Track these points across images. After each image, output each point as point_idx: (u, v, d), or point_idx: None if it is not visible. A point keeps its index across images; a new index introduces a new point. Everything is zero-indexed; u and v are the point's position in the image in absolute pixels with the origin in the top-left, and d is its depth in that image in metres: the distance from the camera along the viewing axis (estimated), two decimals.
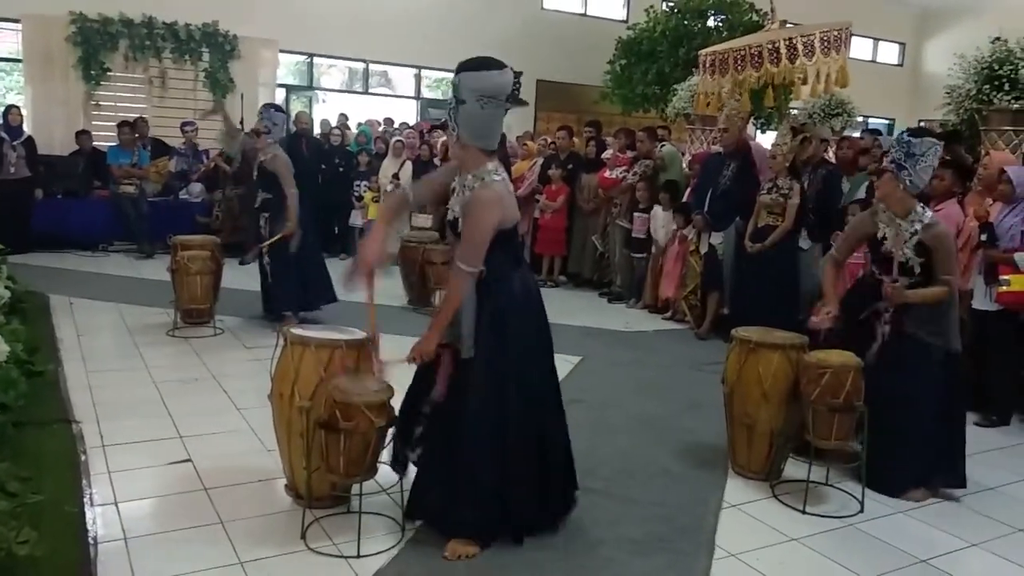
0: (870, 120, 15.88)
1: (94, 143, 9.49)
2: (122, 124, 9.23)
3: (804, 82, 6.25)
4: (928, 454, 3.71)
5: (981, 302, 4.81)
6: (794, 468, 3.81)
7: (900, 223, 3.67)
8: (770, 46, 6.21)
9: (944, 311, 3.70)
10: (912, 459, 3.69)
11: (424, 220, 8.79)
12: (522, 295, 2.98)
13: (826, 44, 6.11)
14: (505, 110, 2.82)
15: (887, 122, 16.72)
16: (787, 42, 6.12)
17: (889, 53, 17.71)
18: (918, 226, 3.64)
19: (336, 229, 9.81)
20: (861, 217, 4.01)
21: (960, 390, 3.81)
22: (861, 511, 3.53)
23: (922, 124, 14.09)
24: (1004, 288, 4.59)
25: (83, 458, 3.56)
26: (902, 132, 3.76)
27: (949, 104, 6.56)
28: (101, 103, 10.52)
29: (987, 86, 5.94)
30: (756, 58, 6.32)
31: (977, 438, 4.57)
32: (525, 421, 2.96)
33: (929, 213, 3.73)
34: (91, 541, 2.88)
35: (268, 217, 5.88)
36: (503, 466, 2.93)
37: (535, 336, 3.02)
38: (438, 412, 2.98)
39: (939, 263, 3.63)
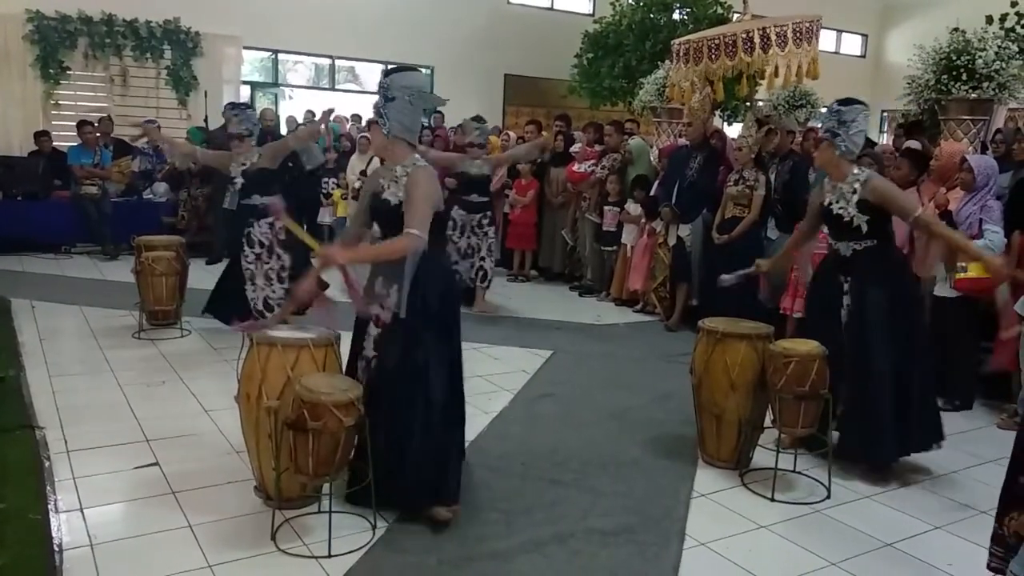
0: None
1: (54, 144, 9.30)
2: (82, 123, 9.06)
3: (776, 72, 6.31)
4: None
5: (941, 289, 4.90)
6: (762, 456, 3.86)
7: (840, 187, 3.85)
8: (744, 35, 6.26)
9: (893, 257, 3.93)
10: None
11: None
12: (451, 272, 3.41)
13: (798, 35, 6.19)
14: (423, 109, 3.28)
15: None
16: (761, 32, 6.18)
17: (852, 44, 17.92)
18: (857, 185, 3.79)
19: (304, 227, 9.71)
20: (814, 192, 4.17)
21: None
22: (828, 497, 3.59)
23: (884, 114, 14.33)
24: (961, 275, 4.68)
25: (47, 464, 3.50)
26: (832, 103, 3.90)
27: (909, 94, 6.65)
28: (61, 102, 10.33)
29: (945, 76, 6.03)
30: (730, 47, 6.38)
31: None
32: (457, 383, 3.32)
33: (866, 172, 3.86)
34: (56, 548, 2.84)
35: (271, 222, 5.44)
36: (454, 426, 3.27)
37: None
38: (390, 388, 3.14)
39: (895, 210, 3.80)
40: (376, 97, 3.19)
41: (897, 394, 3.78)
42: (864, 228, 3.79)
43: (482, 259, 6.89)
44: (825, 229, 4.09)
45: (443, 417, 3.17)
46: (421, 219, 3.03)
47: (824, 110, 4.01)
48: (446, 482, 3.19)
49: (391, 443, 3.09)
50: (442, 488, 3.18)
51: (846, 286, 3.89)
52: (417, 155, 3.22)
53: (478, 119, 7.00)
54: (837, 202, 3.85)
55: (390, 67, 3.31)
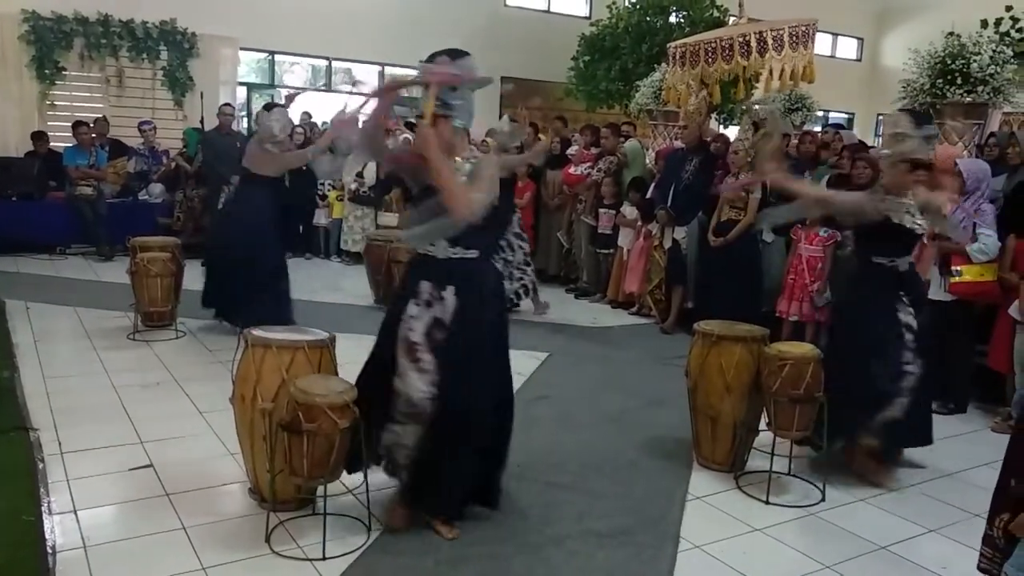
0: (830, 115, 16.11)
1: (50, 144, 9.27)
2: (78, 124, 9.04)
3: (772, 76, 6.32)
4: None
5: (936, 292, 4.90)
6: (757, 459, 3.86)
7: (904, 201, 3.73)
8: (741, 39, 6.28)
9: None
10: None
11: (390, 219, 8.78)
12: (498, 279, 3.18)
13: (794, 39, 6.21)
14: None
15: (846, 116, 16.98)
16: (757, 35, 6.20)
17: (848, 48, 17.96)
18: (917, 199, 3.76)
19: (300, 228, 9.73)
20: (869, 200, 3.84)
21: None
22: (823, 500, 3.60)
23: (880, 118, 14.34)
24: (957, 278, 4.70)
25: (41, 466, 3.49)
26: (903, 122, 3.72)
27: (904, 98, 6.66)
28: (56, 103, 10.30)
29: (940, 80, 6.05)
30: (727, 51, 6.40)
31: (934, 425, 4.68)
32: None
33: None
34: (49, 550, 2.83)
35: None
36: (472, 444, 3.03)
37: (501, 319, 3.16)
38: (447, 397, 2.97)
39: (933, 211, 3.77)
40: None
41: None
42: (924, 237, 3.83)
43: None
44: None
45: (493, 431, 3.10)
46: (483, 194, 2.83)
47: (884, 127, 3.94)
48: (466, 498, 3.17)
49: (441, 450, 2.97)
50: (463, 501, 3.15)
51: (907, 300, 3.82)
52: (473, 148, 3.11)
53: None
54: (907, 214, 3.73)
55: (439, 52, 2.92)
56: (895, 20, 17.41)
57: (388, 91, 3.11)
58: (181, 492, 3.33)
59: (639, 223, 7.17)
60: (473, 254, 2.97)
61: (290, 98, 5.99)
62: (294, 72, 13.38)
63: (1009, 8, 9.03)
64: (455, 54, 2.91)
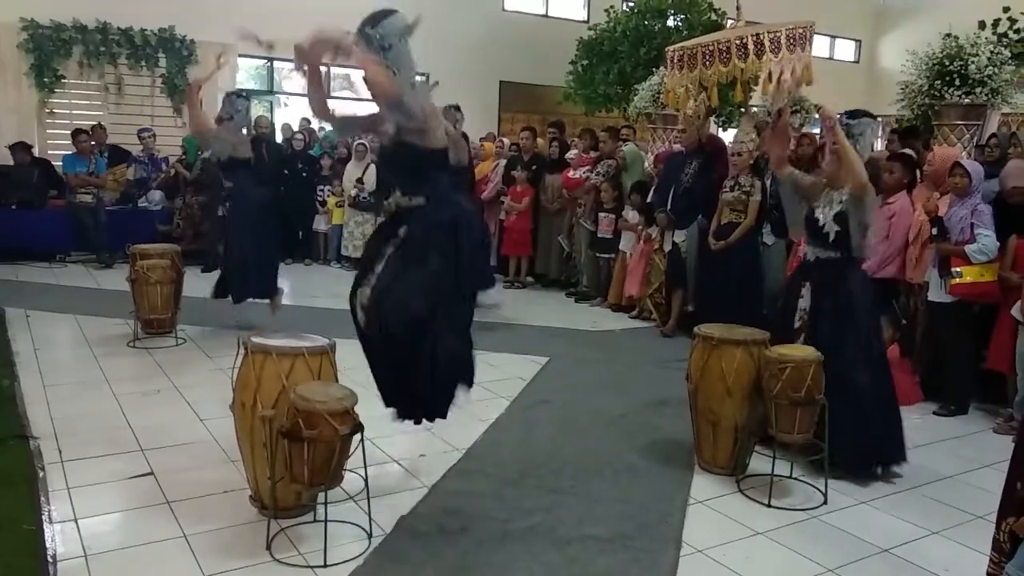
0: None
1: (49, 152, 9.27)
2: (77, 132, 9.04)
3: (770, 78, 6.32)
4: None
5: (936, 294, 4.91)
6: (759, 462, 3.85)
7: (832, 194, 3.90)
8: (738, 42, 6.28)
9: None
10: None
11: None
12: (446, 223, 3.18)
13: (791, 41, 6.21)
14: None
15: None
16: (754, 38, 6.20)
17: (846, 50, 17.99)
18: (844, 196, 3.83)
19: (300, 234, 9.73)
20: (819, 183, 4.07)
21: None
22: (825, 503, 3.58)
23: (878, 119, 14.35)
24: (957, 280, 4.69)
25: (41, 474, 3.49)
26: (840, 115, 3.91)
27: (903, 100, 6.68)
28: (55, 111, 10.32)
29: (939, 82, 6.06)
30: (724, 53, 6.40)
31: (935, 427, 4.70)
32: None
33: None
34: (50, 559, 2.82)
35: (230, 207, 5.97)
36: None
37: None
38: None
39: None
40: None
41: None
42: (832, 236, 3.86)
43: None
44: None
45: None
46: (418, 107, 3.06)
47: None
48: None
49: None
50: None
51: (803, 290, 4.01)
52: None
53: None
54: (822, 208, 3.91)
55: (372, 14, 3.10)
56: (893, 22, 17.44)
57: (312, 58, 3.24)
58: (182, 500, 3.33)
59: (641, 227, 7.17)
60: (420, 201, 3.17)
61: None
62: (292, 78, 13.38)
63: (1007, 9, 9.04)
64: (389, 11, 3.11)
